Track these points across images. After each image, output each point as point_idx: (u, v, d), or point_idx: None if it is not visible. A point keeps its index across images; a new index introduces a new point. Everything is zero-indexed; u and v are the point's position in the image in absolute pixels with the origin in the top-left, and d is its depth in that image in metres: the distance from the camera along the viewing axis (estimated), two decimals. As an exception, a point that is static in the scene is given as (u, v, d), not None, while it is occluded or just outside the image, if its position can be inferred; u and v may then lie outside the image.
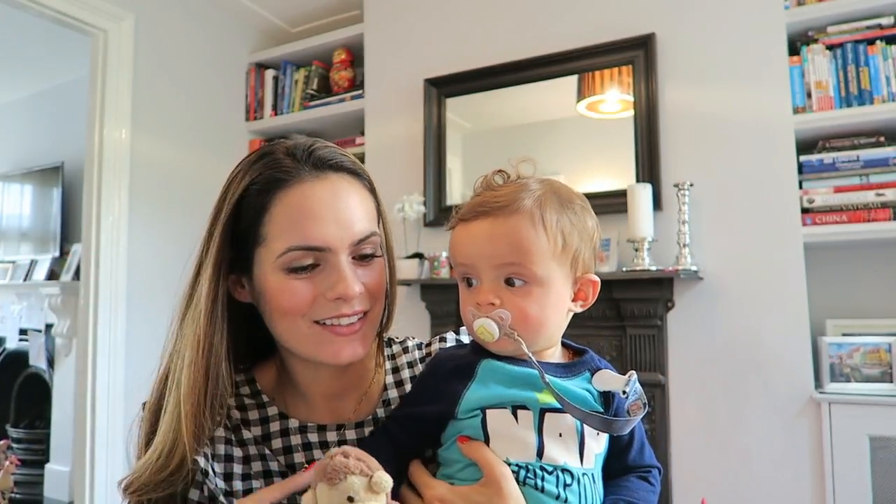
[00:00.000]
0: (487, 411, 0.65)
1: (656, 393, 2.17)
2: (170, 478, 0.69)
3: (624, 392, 0.64)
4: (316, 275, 0.71)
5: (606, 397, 0.69)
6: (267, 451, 0.75)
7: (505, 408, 0.65)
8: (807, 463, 2.00)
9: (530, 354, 0.64)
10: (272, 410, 0.77)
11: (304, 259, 0.70)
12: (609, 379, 0.67)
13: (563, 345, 0.75)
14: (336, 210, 0.71)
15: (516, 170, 0.73)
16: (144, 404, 0.77)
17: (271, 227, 0.70)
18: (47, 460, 3.70)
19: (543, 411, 0.64)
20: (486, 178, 0.73)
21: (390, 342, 0.88)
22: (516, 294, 0.66)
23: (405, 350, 0.88)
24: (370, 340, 0.75)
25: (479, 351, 0.69)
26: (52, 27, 2.74)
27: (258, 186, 0.71)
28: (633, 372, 0.66)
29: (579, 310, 0.72)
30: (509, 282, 0.67)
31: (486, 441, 0.65)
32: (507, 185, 0.71)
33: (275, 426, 0.77)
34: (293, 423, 0.77)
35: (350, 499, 0.54)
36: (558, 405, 0.63)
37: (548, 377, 0.63)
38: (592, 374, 0.69)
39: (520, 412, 0.65)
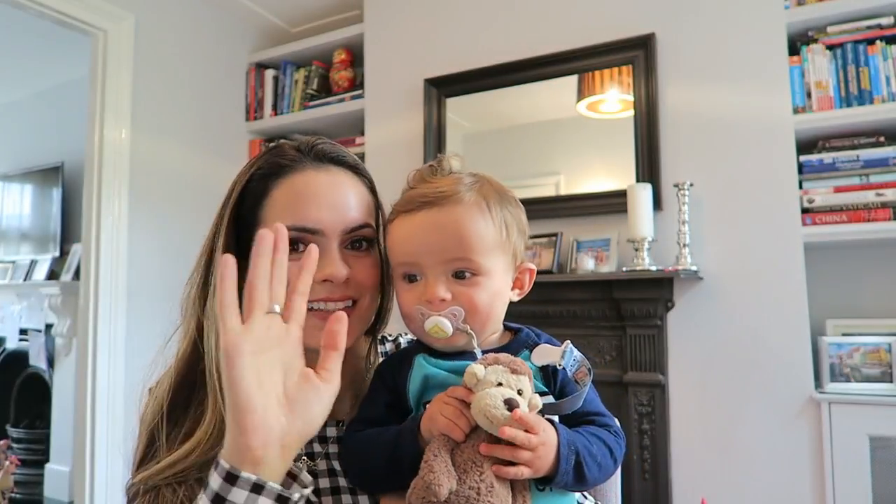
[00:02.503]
0: (427, 405, 0.65)
1: (656, 393, 2.17)
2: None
3: (560, 364, 0.64)
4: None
5: (548, 371, 0.67)
6: None
7: None
8: (807, 463, 2.00)
9: (478, 350, 0.64)
10: None
11: (296, 240, 0.71)
12: (546, 353, 0.66)
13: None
14: (332, 197, 0.74)
15: (449, 163, 0.73)
16: (151, 389, 0.76)
17: (270, 209, 0.73)
18: (47, 460, 3.70)
19: None
20: (420, 170, 0.73)
21: (383, 339, 0.90)
22: (466, 286, 0.66)
23: (398, 347, 0.89)
24: (356, 332, 0.76)
25: (419, 349, 0.69)
26: (52, 27, 2.74)
27: (262, 172, 0.75)
28: (568, 341, 0.65)
29: (517, 298, 0.73)
30: (458, 274, 0.66)
31: None
32: (444, 178, 0.70)
33: None
34: None
35: (520, 392, 0.59)
36: None
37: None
38: (531, 351, 0.67)
39: None
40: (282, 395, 0.56)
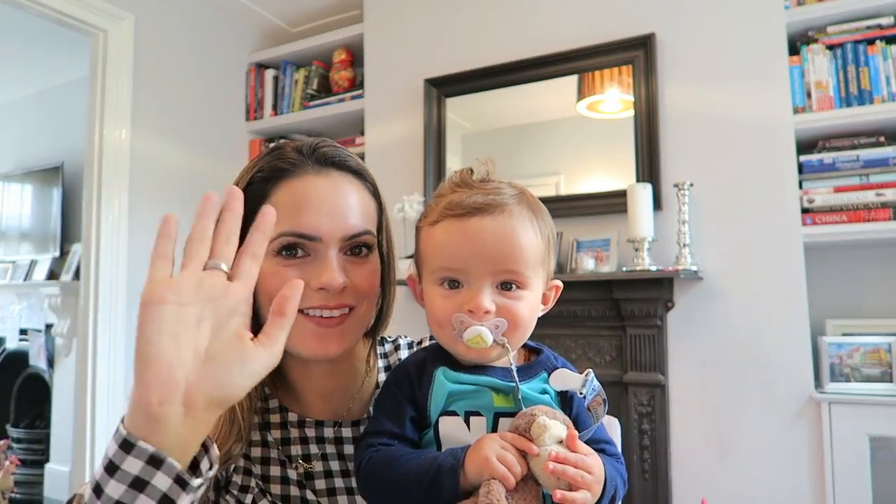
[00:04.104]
0: (440, 419, 0.64)
1: (656, 393, 2.17)
2: (225, 455, 0.70)
3: (581, 393, 0.63)
4: (305, 264, 0.72)
5: (564, 395, 0.67)
6: (270, 438, 0.76)
7: (458, 415, 0.64)
8: (807, 463, 2.00)
9: (514, 366, 0.64)
10: (273, 403, 0.79)
11: (293, 245, 0.71)
12: (566, 378, 0.65)
13: None
14: (332, 204, 0.72)
15: (487, 168, 0.71)
16: None
17: None
18: (47, 460, 3.70)
19: (497, 415, 0.63)
20: (461, 174, 0.70)
21: (383, 341, 0.89)
22: (510, 299, 0.65)
23: (397, 348, 0.89)
24: (351, 339, 0.75)
25: (435, 358, 0.68)
26: (52, 27, 2.74)
27: (263, 175, 0.74)
28: (590, 370, 0.65)
29: (541, 314, 0.72)
30: (504, 286, 0.65)
31: (439, 450, 0.64)
32: (487, 186, 0.68)
33: (275, 417, 0.78)
34: (292, 417, 0.78)
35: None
36: (512, 409, 0.63)
37: (506, 384, 0.63)
38: (549, 374, 0.67)
39: (472, 419, 0.63)
40: (202, 351, 0.50)
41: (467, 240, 0.65)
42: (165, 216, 0.53)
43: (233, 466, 0.74)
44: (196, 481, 0.50)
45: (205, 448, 0.53)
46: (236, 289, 0.53)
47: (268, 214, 0.57)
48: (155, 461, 0.47)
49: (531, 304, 0.66)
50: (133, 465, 0.47)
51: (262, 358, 0.53)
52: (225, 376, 0.51)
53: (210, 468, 0.53)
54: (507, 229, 0.64)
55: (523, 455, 0.58)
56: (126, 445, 0.47)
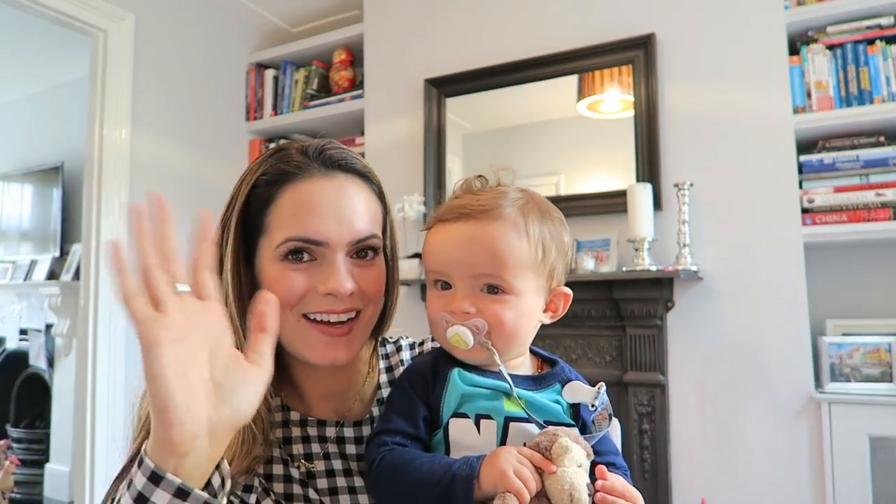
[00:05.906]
0: (450, 420, 0.65)
1: (656, 393, 2.17)
2: (252, 462, 0.70)
3: (592, 405, 0.64)
4: (311, 268, 0.72)
5: (575, 407, 0.68)
6: (272, 437, 0.76)
7: (468, 418, 0.64)
8: (807, 463, 2.00)
9: (502, 366, 0.64)
10: (275, 402, 0.79)
11: (300, 250, 0.71)
12: (579, 391, 0.66)
13: (533, 353, 0.74)
14: (338, 208, 0.72)
15: (497, 176, 0.72)
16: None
17: (274, 217, 0.72)
18: (47, 460, 3.70)
19: (508, 420, 0.64)
20: (467, 181, 0.72)
21: (384, 342, 0.89)
22: (493, 302, 0.65)
23: (398, 349, 0.89)
24: (359, 344, 0.75)
25: (448, 359, 0.68)
26: (52, 27, 2.74)
27: (268, 178, 0.73)
28: (602, 384, 0.65)
29: (548, 321, 0.72)
30: (487, 289, 0.66)
31: (447, 451, 0.64)
32: (489, 191, 0.69)
33: (277, 416, 0.78)
34: (294, 416, 0.78)
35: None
36: (523, 414, 0.63)
37: (518, 391, 0.63)
38: (563, 386, 0.68)
39: (483, 422, 0.64)
40: (209, 381, 0.51)
41: (448, 244, 0.67)
42: (111, 243, 0.50)
43: None
44: (223, 501, 0.53)
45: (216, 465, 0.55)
46: (215, 308, 0.54)
47: (205, 220, 0.56)
48: (182, 493, 0.50)
49: (517, 309, 0.66)
50: (162, 498, 0.49)
51: (259, 376, 0.55)
52: (236, 402, 0.53)
53: (222, 483, 0.55)
54: (486, 234, 0.65)
55: (539, 472, 0.58)
56: (155, 478, 0.49)
